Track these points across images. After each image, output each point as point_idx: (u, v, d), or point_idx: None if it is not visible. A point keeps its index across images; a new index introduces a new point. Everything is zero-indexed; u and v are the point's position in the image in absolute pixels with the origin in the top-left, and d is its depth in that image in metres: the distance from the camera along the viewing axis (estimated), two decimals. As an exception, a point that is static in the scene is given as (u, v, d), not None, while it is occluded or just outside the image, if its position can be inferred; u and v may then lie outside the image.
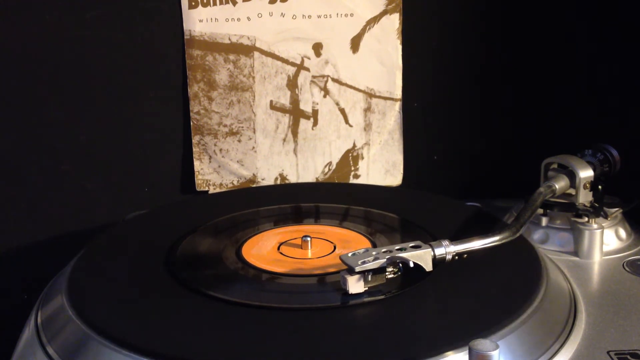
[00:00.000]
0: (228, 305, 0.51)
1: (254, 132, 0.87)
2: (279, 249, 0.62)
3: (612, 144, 0.71)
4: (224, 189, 0.88)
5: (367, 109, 0.88)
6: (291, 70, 0.86)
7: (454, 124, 0.91)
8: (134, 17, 0.83)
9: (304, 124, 0.88)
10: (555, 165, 0.70)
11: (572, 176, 0.68)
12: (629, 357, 0.48)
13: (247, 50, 0.85)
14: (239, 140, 0.87)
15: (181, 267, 0.58)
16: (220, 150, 0.87)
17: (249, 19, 0.84)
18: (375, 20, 0.86)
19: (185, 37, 0.84)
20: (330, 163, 0.89)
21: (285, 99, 0.87)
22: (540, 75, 0.90)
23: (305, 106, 0.87)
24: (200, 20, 0.84)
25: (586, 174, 0.67)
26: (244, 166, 0.88)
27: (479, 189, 0.89)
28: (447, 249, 0.53)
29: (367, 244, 0.63)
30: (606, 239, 0.66)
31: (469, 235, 0.55)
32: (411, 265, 0.51)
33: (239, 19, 0.84)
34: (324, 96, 0.87)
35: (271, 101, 0.87)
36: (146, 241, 0.65)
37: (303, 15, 0.85)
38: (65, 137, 0.85)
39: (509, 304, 0.50)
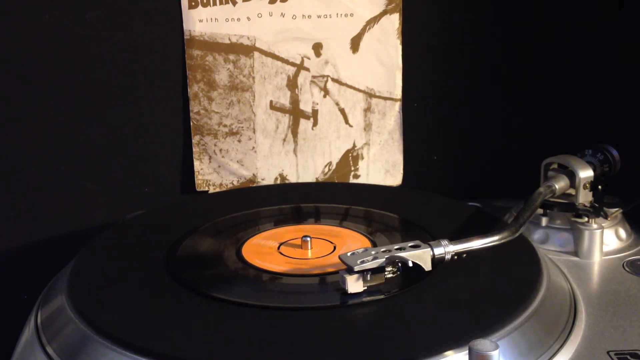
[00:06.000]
0: (228, 305, 0.51)
1: (254, 132, 0.87)
2: (279, 249, 0.62)
3: (612, 144, 0.71)
4: (224, 189, 0.88)
5: (367, 109, 0.88)
6: (291, 70, 0.86)
7: (454, 124, 0.91)
8: (134, 17, 0.83)
9: (304, 124, 0.88)
10: (555, 165, 0.70)
11: (572, 176, 0.68)
12: (629, 357, 0.48)
13: (247, 50, 0.85)
14: (239, 140, 0.87)
15: (181, 267, 0.58)
16: (220, 150, 0.87)
17: (249, 19, 0.84)
18: (375, 20, 0.86)
19: (185, 37, 0.84)
20: (330, 163, 0.89)
21: (285, 99, 0.87)
22: (541, 75, 0.90)
23: (305, 106, 0.87)
24: (200, 20, 0.84)
25: (586, 174, 0.67)
26: (244, 166, 0.88)
27: (479, 189, 0.89)
28: (446, 249, 0.53)
29: (367, 244, 0.63)
30: (606, 239, 0.66)
31: (468, 235, 0.55)
32: (410, 264, 0.51)
33: (239, 19, 0.84)
34: (324, 96, 0.87)
35: (271, 101, 0.87)
36: (146, 241, 0.65)
37: (303, 15, 0.85)
38: (65, 137, 0.85)
39: (509, 304, 0.50)
